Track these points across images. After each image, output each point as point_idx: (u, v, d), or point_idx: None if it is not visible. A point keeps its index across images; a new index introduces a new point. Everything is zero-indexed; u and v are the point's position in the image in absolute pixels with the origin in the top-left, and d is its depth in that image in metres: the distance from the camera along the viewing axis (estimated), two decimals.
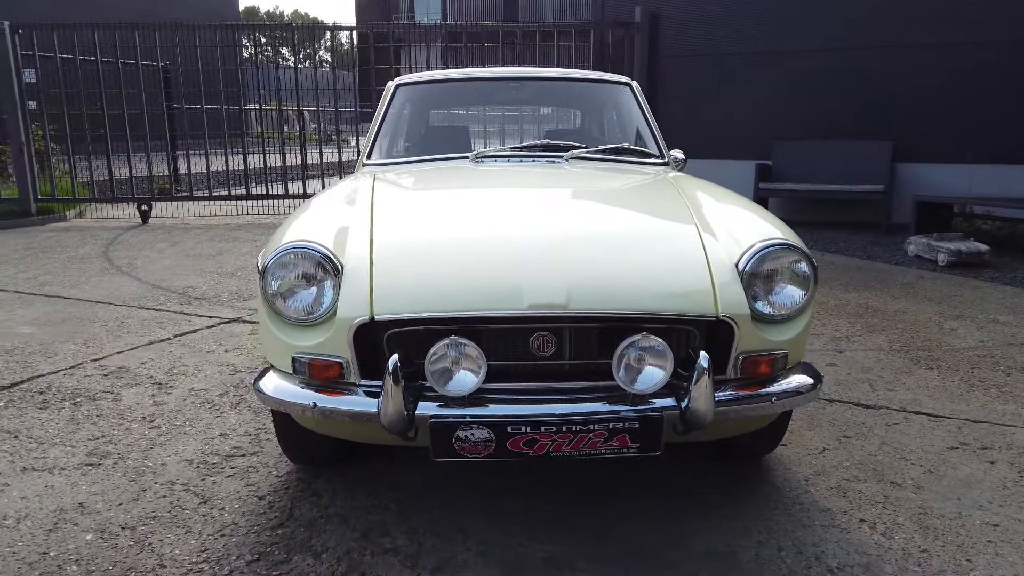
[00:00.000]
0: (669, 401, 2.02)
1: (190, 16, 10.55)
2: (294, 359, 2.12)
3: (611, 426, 2.00)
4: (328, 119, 10.23)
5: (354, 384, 2.09)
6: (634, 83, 3.85)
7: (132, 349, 3.99)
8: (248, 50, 10.96)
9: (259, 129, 10.33)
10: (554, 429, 1.99)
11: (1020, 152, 7.54)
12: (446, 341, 1.96)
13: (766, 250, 2.20)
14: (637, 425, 2.00)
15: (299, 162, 9.62)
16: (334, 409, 2.06)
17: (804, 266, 2.21)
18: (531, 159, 3.33)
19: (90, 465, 2.68)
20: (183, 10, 19.10)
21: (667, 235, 2.39)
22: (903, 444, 2.85)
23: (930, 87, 7.81)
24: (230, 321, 4.53)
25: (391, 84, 3.78)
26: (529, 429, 1.99)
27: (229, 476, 2.60)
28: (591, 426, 2.00)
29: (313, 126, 11.13)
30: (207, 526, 2.28)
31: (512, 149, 3.39)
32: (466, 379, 1.98)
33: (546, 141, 3.43)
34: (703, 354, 1.98)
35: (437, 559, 2.12)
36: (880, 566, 2.09)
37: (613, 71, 8.46)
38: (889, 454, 2.77)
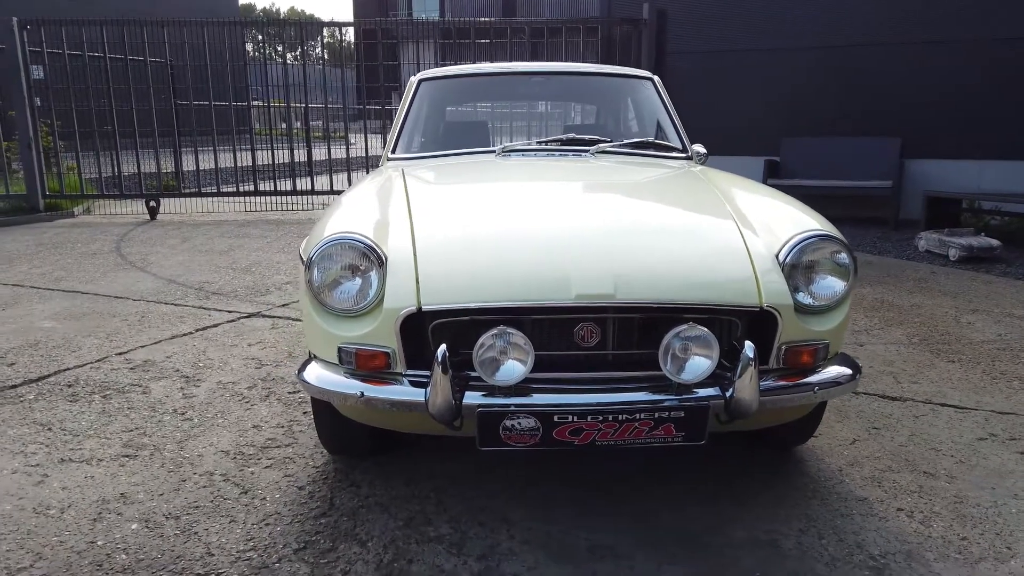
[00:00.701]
0: (713, 390, 2.04)
1: (188, 13, 10.48)
2: (340, 349, 2.13)
3: (657, 415, 2.02)
4: (333, 115, 10.24)
5: (399, 374, 2.10)
6: (656, 77, 3.87)
7: (155, 343, 4.00)
8: (255, 46, 10.95)
9: (257, 126, 10.31)
10: (600, 418, 2.01)
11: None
12: (495, 331, 1.97)
13: (806, 241, 2.22)
14: (683, 414, 2.02)
15: (306, 158, 9.63)
16: (381, 398, 2.07)
17: (844, 256, 2.23)
18: (557, 153, 3.36)
19: (127, 456, 2.69)
20: (181, 8, 19.06)
21: (706, 227, 2.40)
22: (932, 435, 2.88)
23: (937, 84, 7.84)
24: (250, 316, 4.54)
25: (414, 79, 3.79)
26: (575, 418, 2.00)
27: (267, 467, 2.61)
28: (637, 415, 2.01)
29: (315, 122, 11.10)
30: (251, 515, 2.30)
31: (538, 143, 3.40)
32: (514, 368, 2.00)
33: (571, 135, 3.45)
34: (749, 344, 2.00)
35: (482, 546, 2.14)
36: (921, 553, 2.11)
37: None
38: (919, 445, 2.79)
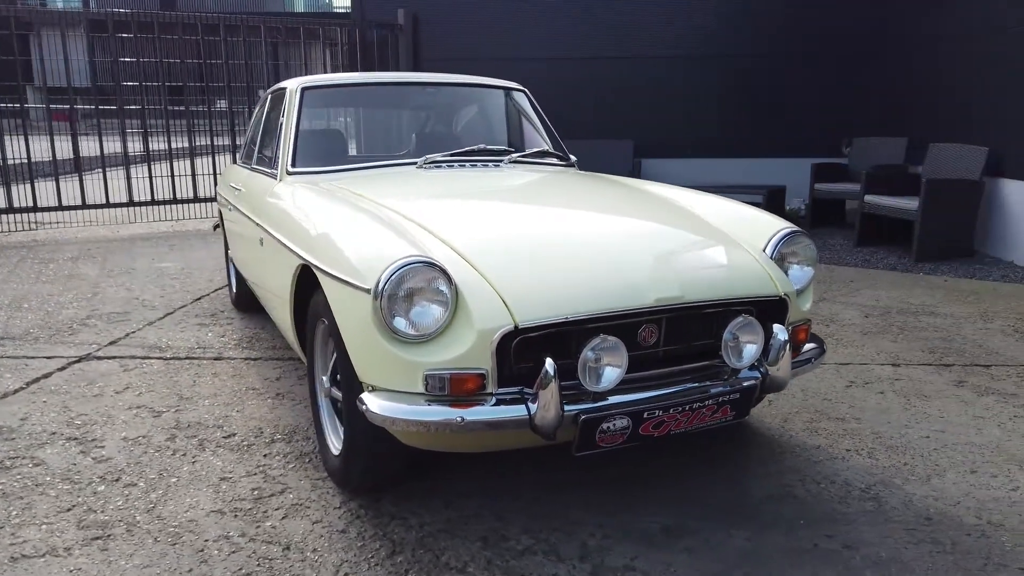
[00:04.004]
0: (754, 372, 2.36)
1: None
2: (427, 376, 2.06)
3: (720, 400, 2.28)
4: None
5: (490, 394, 2.10)
6: (525, 89, 4.10)
7: None
8: None
9: None
10: (679, 409, 2.21)
11: (724, 148, 9.14)
12: (598, 339, 2.08)
13: (785, 237, 2.63)
14: (737, 396, 2.31)
15: None
16: (482, 420, 2.05)
17: (812, 247, 2.68)
18: (471, 163, 3.44)
19: (99, 538, 2.27)
20: None
21: (698, 231, 2.70)
22: (816, 388, 3.50)
23: (665, 93, 9.08)
24: (80, 360, 3.89)
25: (295, 86, 3.57)
26: (660, 412, 2.19)
27: (283, 518, 2.39)
28: (706, 402, 2.26)
29: None
30: (321, 571, 2.11)
31: (451, 155, 3.44)
32: (611, 373, 2.12)
33: (482, 146, 3.55)
34: (780, 327, 2.35)
35: (575, 548, 2.22)
36: (890, 480, 2.64)
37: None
38: (814, 397, 3.39)
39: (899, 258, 6.64)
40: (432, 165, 3.35)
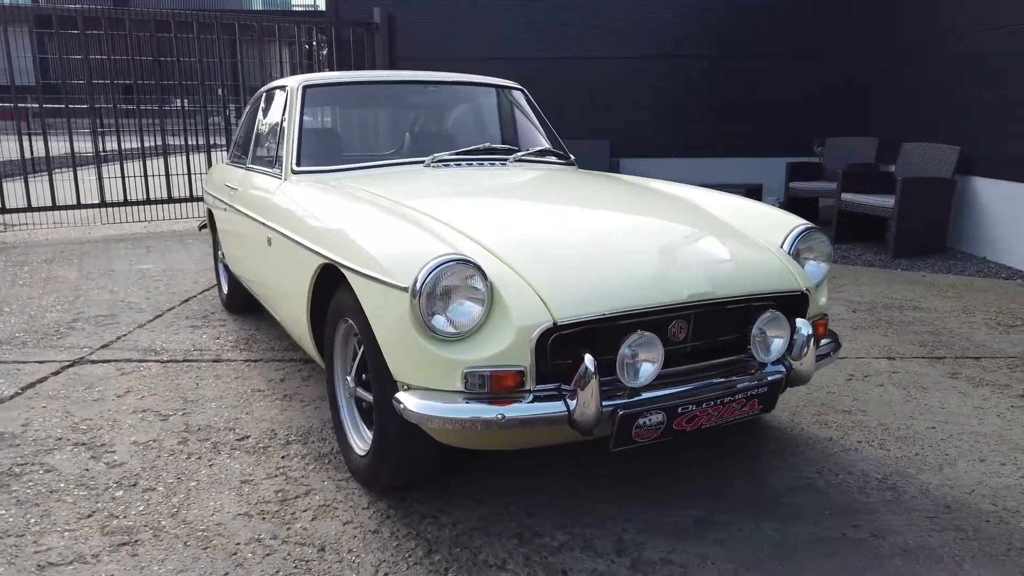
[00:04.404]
0: (779, 366, 2.40)
1: None
2: (467, 374, 2.06)
3: (749, 393, 2.32)
4: None
5: (527, 391, 2.10)
6: (523, 88, 4.11)
7: None
8: None
9: None
10: (711, 403, 2.24)
11: (701, 147, 9.25)
12: (635, 335, 2.10)
13: (801, 234, 2.68)
14: (765, 390, 2.35)
15: None
16: (522, 417, 2.06)
17: (827, 243, 2.73)
18: (478, 162, 3.44)
19: (126, 544, 2.22)
20: None
21: (718, 227, 2.73)
22: (819, 382, 3.57)
23: (637, 93, 9.15)
24: (73, 364, 3.80)
25: (296, 84, 3.54)
26: (694, 407, 2.22)
27: (313, 519, 2.36)
28: (736, 396, 2.29)
29: None
30: (361, 572, 2.10)
31: (460, 153, 3.43)
32: (648, 369, 2.14)
33: (488, 144, 3.55)
34: (804, 322, 2.39)
35: (610, 543, 2.24)
36: (905, 470, 2.71)
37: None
38: (819, 390, 3.46)
39: (876, 254, 6.80)
40: (440, 164, 3.34)
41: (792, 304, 2.49)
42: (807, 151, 9.02)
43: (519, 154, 3.54)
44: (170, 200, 8.31)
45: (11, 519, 2.36)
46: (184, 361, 3.86)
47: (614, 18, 9.17)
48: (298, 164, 3.31)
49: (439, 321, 2.07)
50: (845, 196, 7.21)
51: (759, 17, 9.17)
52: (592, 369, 2.02)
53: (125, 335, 4.29)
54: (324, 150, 3.47)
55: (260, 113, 4.09)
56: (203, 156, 8.49)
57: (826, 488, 2.58)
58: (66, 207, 7.80)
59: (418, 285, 2.05)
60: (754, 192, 8.39)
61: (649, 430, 2.18)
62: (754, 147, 9.25)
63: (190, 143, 8.44)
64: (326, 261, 2.52)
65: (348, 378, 2.60)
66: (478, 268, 2.09)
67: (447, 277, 2.07)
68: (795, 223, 2.73)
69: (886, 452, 2.85)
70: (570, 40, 9.17)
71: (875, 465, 2.74)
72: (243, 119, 4.69)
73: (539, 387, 2.11)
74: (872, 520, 2.37)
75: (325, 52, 10.38)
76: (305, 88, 3.52)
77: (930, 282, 5.74)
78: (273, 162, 3.54)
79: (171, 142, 8.32)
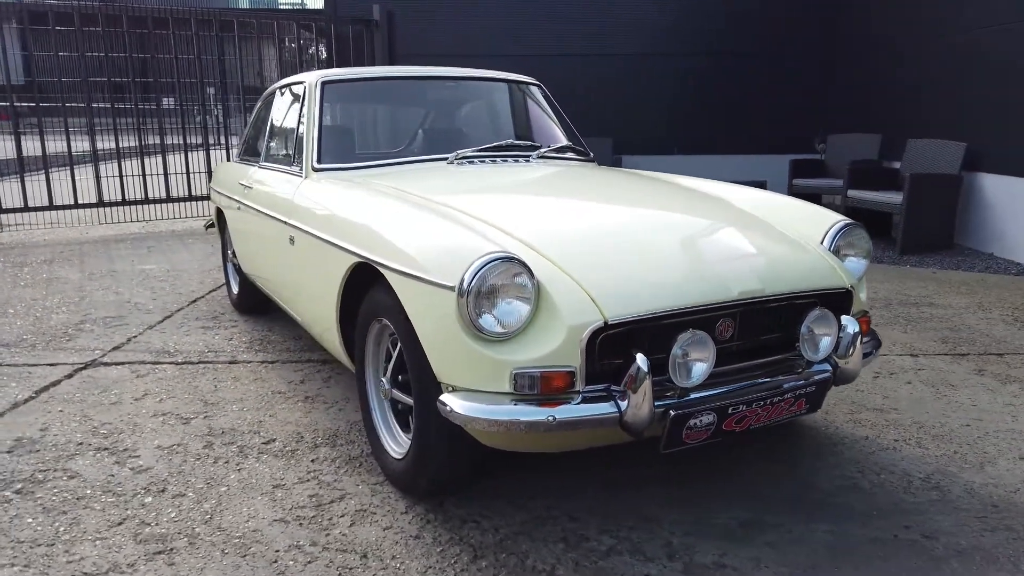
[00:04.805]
0: (826, 365, 2.35)
1: None
2: (516, 375, 2.00)
3: (797, 393, 2.27)
4: None
5: (576, 392, 2.05)
6: (540, 84, 4.06)
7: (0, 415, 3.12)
8: None
9: None
10: (761, 403, 2.20)
11: (704, 145, 9.23)
12: (688, 334, 2.05)
13: (841, 230, 2.64)
14: (813, 389, 2.30)
15: None
16: (573, 419, 2.00)
17: (868, 240, 2.69)
18: (502, 159, 3.38)
19: (161, 553, 2.15)
20: None
21: (757, 224, 2.68)
22: None
23: (639, 91, 9.11)
24: (86, 366, 3.72)
25: (314, 81, 3.47)
26: (744, 407, 2.17)
27: (352, 524, 2.30)
28: (785, 395, 2.24)
29: None
30: None
31: (480, 150, 3.38)
32: (700, 368, 2.09)
33: (511, 141, 3.50)
34: (851, 319, 2.35)
35: (659, 547, 2.19)
36: (946, 468, 2.67)
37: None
38: (847, 388, 3.42)
39: (883, 251, 6.78)
40: (464, 161, 3.28)
41: (836, 301, 2.45)
42: (809, 148, 9.01)
43: (541, 151, 3.49)
44: (168, 200, 8.20)
45: (39, 527, 2.29)
46: (199, 363, 3.78)
47: (616, 15, 9.13)
48: (319, 161, 3.25)
49: (487, 321, 2.01)
50: (852, 193, 7.19)
51: (761, 14, 9.15)
52: (645, 369, 1.97)
53: (136, 336, 4.20)
54: (344, 147, 3.40)
55: (273, 110, 4.01)
56: (200, 155, 8.37)
57: (871, 488, 2.54)
58: (64, 207, 7.68)
59: (465, 284, 1.99)
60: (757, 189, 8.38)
61: (700, 431, 2.13)
62: (756, 144, 9.24)
63: (187, 142, 8.32)
64: (360, 260, 2.46)
65: (383, 379, 2.54)
66: (525, 266, 2.03)
67: (494, 275, 2.01)
68: (835, 219, 2.69)
69: (925, 451, 2.81)
70: (572, 37, 9.12)
71: (916, 464, 2.70)
72: (253, 116, 4.61)
73: (588, 388, 2.06)
74: (922, 521, 2.33)
75: (312, 50, 10.30)
76: (324, 84, 3.45)
77: (941, 278, 5.73)
78: (291, 160, 3.47)
79: (167, 141, 8.20)
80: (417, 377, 2.25)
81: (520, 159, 3.40)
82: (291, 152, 3.50)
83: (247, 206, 3.85)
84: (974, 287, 5.44)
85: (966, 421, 3.07)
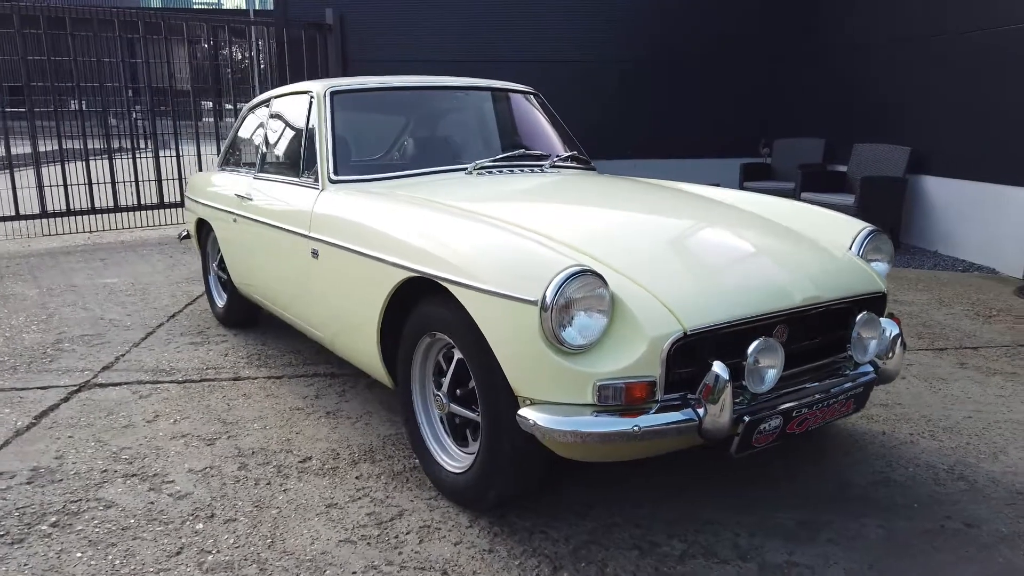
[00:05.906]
0: (866, 367, 2.47)
1: None
2: (599, 386, 2.03)
3: (848, 394, 2.38)
4: None
5: (655, 401, 2.09)
6: (539, 93, 4.10)
7: (4, 444, 2.95)
8: None
9: None
10: (819, 405, 2.29)
11: (657, 149, 9.44)
12: (759, 342, 2.12)
13: (869, 236, 2.77)
14: (861, 390, 2.41)
15: None
16: (659, 428, 2.04)
17: (891, 245, 2.82)
18: (519, 168, 3.41)
19: None
20: None
21: (792, 234, 2.77)
22: None
23: (593, 96, 9.25)
24: (80, 388, 3.55)
25: (322, 90, 3.41)
26: (806, 410, 2.26)
27: (421, 542, 2.28)
28: (839, 397, 2.35)
29: None
30: None
31: (499, 159, 3.39)
32: (771, 374, 2.17)
33: (523, 151, 3.52)
34: (891, 322, 2.48)
35: (729, 549, 2.25)
36: (965, 460, 2.83)
37: (308, 73, 8.23)
38: None
39: None
40: (483, 171, 3.28)
41: (871, 305, 2.57)
42: (756, 152, 9.33)
43: (552, 159, 3.53)
44: (116, 209, 7.87)
45: (93, 562, 2.19)
46: (202, 381, 3.66)
47: (561, 22, 9.23)
48: (335, 173, 3.20)
49: (569, 334, 2.04)
50: (805, 195, 7.48)
51: (706, 19, 9.41)
52: (726, 377, 2.03)
53: (123, 355, 4.03)
54: (359, 157, 3.36)
55: (270, 120, 3.92)
56: (132, 162, 8.06)
57: (904, 481, 2.67)
58: (5, 219, 7.28)
59: (548, 299, 2.01)
60: None
61: (768, 434, 2.20)
62: (706, 148, 9.49)
63: (137, 146, 8.00)
64: (413, 274, 2.44)
65: (439, 394, 2.52)
66: (602, 278, 2.07)
67: (574, 288, 2.03)
68: (860, 225, 2.82)
69: (940, 443, 2.97)
70: (519, 44, 9.18)
71: (937, 456, 2.86)
72: (237, 125, 4.49)
73: (666, 397, 2.10)
74: (960, 510, 2.47)
75: (250, 54, 10.02)
76: (332, 94, 3.39)
77: (895, 275, 6.02)
78: (299, 171, 3.40)
79: (91, 146, 7.86)
80: (485, 391, 2.25)
81: (536, 169, 3.43)
82: (298, 163, 3.43)
83: (247, 218, 3.75)
84: (929, 283, 5.75)
85: (967, 413, 3.26)
